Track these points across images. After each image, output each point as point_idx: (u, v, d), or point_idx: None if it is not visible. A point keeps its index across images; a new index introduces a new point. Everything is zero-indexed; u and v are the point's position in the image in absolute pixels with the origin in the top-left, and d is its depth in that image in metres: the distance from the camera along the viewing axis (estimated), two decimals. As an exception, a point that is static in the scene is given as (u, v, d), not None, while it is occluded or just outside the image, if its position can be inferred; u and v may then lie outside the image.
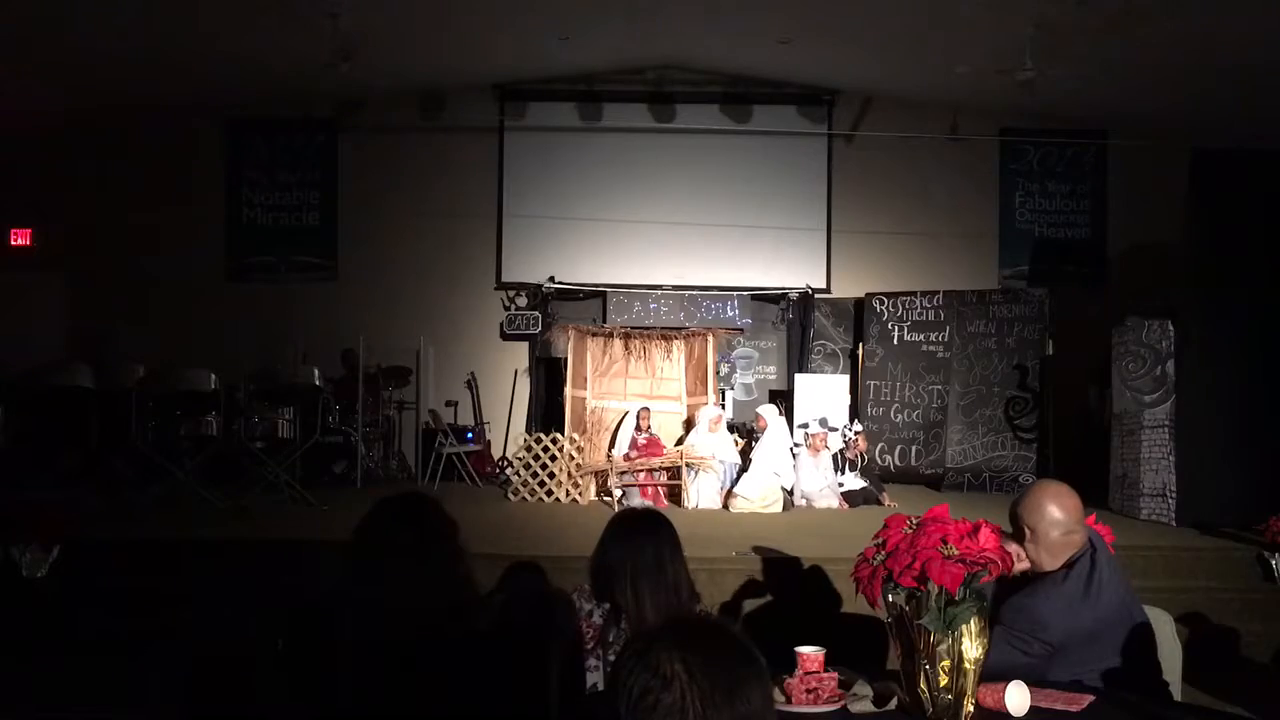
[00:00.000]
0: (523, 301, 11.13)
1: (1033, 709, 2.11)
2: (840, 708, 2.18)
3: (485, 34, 9.50)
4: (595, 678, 2.63)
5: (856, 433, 8.82)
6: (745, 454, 8.65)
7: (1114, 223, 11.12)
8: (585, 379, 9.56)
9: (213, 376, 7.71)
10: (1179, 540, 6.66)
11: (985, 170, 11.27)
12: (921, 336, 10.28)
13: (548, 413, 10.61)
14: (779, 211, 11.15)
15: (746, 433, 9.22)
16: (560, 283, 10.98)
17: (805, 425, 9.00)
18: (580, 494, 8.64)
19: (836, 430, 8.91)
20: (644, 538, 2.69)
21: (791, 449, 8.59)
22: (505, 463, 9.87)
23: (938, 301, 10.28)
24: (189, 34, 8.61)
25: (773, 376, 11.19)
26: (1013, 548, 2.53)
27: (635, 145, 11.18)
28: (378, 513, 2.45)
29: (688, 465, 8.41)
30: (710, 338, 9.55)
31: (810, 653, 2.25)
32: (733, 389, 10.87)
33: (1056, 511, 2.59)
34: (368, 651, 2.04)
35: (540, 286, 10.97)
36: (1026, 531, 2.62)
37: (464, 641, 2.07)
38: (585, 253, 11.12)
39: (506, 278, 11.19)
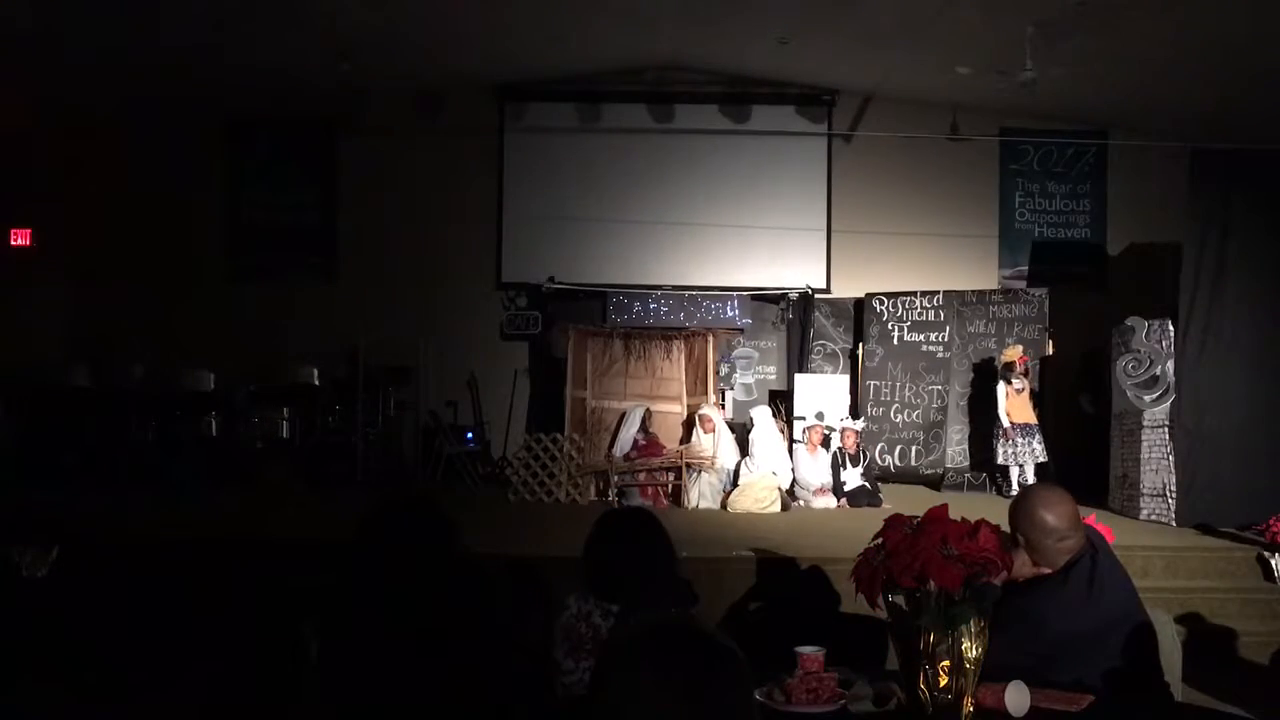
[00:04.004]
0: (523, 301, 11.12)
1: (1033, 709, 2.11)
2: (840, 708, 2.18)
3: (485, 34, 9.49)
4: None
5: (844, 426, 8.78)
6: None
7: (1114, 223, 11.11)
8: (585, 379, 9.56)
9: (212, 376, 7.73)
10: (1179, 540, 6.66)
11: (985, 170, 11.26)
12: (921, 336, 10.27)
13: (548, 413, 10.60)
14: (779, 211, 11.14)
15: (745, 434, 9.22)
16: (560, 283, 10.97)
17: (803, 418, 9.02)
18: (580, 494, 8.64)
19: (835, 430, 8.92)
20: (634, 536, 2.68)
21: (790, 445, 8.62)
22: (505, 463, 9.86)
23: (938, 301, 10.27)
24: (189, 34, 8.61)
25: (773, 376, 11.18)
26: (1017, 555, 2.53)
27: (635, 145, 11.17)
28: (376, 514, 2.45)
29: (688, 465, 8.41)
30: (710, 338, 9.55)
31: (810, 653, 2.25)
32: (733, 389, 10.86)
33: (1049, 519, 2.57)
34: (367, 651, 2.04)
35: (540, 286, 10.96)
36: (1021, 540, 2.60)
37: (463, 642, 2.07)
38: (585, 253, 11.11)
39: (506, 278, 11.19)
